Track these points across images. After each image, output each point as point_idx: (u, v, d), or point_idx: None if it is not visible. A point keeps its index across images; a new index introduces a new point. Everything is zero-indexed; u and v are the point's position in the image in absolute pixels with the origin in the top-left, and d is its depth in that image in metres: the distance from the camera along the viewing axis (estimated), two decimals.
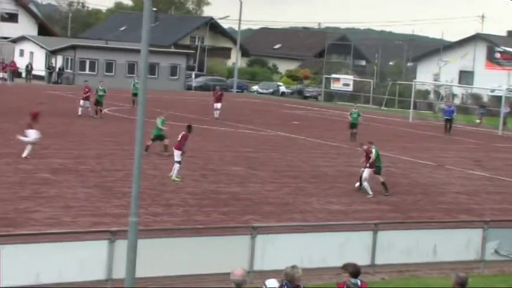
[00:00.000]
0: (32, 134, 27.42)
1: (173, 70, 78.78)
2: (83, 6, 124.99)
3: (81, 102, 43.94)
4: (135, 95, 47.78)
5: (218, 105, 48.02)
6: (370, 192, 24.52)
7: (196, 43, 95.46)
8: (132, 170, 13.03)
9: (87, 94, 43.90)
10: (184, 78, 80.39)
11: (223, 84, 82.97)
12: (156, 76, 74.36)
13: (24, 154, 26.95)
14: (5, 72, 69.71)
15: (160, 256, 14.31)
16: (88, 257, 13.78)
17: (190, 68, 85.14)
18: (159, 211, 20.35)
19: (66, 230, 17.03)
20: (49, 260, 13.46)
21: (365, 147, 25.42)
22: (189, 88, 79.22)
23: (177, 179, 24.82)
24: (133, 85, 49.75)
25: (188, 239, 15.17)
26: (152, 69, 72.07)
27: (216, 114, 47.77)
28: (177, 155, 25.27)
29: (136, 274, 12.88)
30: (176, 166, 25.16)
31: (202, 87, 79.71)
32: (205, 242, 15.11)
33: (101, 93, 44.02)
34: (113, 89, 55.37)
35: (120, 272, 13.40)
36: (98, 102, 43.81)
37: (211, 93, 52.97)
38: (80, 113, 43.50)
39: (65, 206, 20.07)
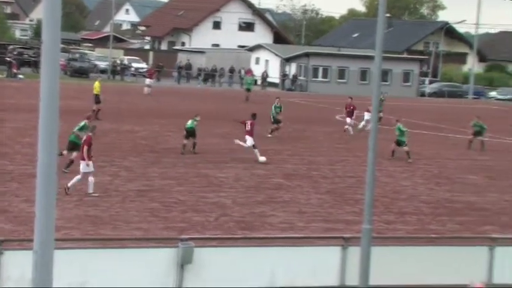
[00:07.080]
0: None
1: (406, 76, 77.84)
2: (317, 14, 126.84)
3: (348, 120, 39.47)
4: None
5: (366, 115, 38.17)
6: None
7: (431, 48, 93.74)
8: (365, 177, 12.91)
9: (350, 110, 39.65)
10: (418, 84, 79.19)
11: (458, 90, 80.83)
12: (388, 83, 73.81)
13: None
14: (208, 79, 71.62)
15: (393, 265, 14.07)
16: (321, 263, 13.83)
17: (423, 74, 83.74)
18: (392, 219, 20.07)
19: (299, 234, 17.26)
20: (283, 262, 13.66)
21: None
22: (422, 95, 77.90)
23: None
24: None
25: (422, 248, 14.84)
26: (385, 75, 71.61)
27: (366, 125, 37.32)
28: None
29: (369, 282, 12.74)
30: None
31: (437, 94, 78.08)
32: (440, 252, 14.68)
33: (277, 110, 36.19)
34: (345, 96, 55.54)
35: (352, 279, 13.32)
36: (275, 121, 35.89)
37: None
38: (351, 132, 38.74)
39: (298, 211, 20.34)
